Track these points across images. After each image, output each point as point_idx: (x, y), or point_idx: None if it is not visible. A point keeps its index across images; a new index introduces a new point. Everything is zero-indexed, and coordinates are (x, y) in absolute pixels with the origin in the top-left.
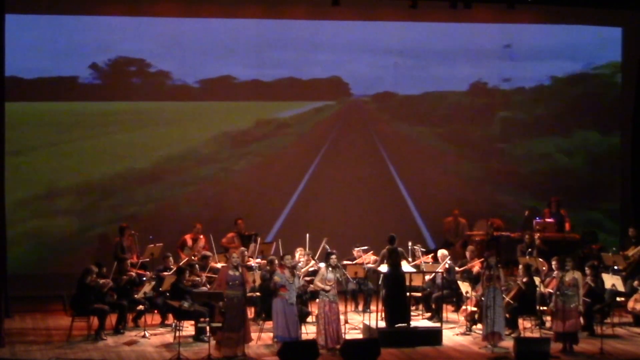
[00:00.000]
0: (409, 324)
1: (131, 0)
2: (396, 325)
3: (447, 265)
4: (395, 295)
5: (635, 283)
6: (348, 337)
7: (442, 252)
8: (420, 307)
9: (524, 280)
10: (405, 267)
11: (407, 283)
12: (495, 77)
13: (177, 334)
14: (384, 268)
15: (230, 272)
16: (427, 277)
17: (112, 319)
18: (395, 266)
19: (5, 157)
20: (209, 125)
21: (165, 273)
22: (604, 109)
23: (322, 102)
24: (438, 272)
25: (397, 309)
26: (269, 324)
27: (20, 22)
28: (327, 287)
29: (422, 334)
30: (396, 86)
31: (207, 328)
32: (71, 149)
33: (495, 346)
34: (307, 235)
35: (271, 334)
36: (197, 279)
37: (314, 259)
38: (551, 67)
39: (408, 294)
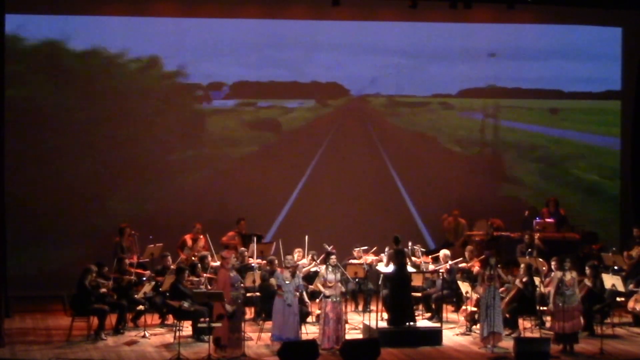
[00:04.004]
0: (415, 322)
1: (131, 0)
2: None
3: (448, 266)
4: (400, 295)
5: (631, 286)
6: (348, 337)
7: (444, 252)
8: (420, 307)
9: (524, 280)
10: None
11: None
12: (495, 77)
13: (177, 334)
14: (384, 268)
15: (231, 274)
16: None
17: (112, 319)
18: (400, 267)
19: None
20: (207, 126)
21: (160, 278)
22: (604, 109)
23: (321, 102)
24: (440, 271)
25: (401, 309)
26: (269, 324)
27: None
28: (327, 292)
29: (422, 334)
30: (395, 86)
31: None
32: (71, 150)
33: (494, 346)
34: (307, 237)
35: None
36: (197, 279)
37: (314, 260)
38: (551, 67)
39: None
